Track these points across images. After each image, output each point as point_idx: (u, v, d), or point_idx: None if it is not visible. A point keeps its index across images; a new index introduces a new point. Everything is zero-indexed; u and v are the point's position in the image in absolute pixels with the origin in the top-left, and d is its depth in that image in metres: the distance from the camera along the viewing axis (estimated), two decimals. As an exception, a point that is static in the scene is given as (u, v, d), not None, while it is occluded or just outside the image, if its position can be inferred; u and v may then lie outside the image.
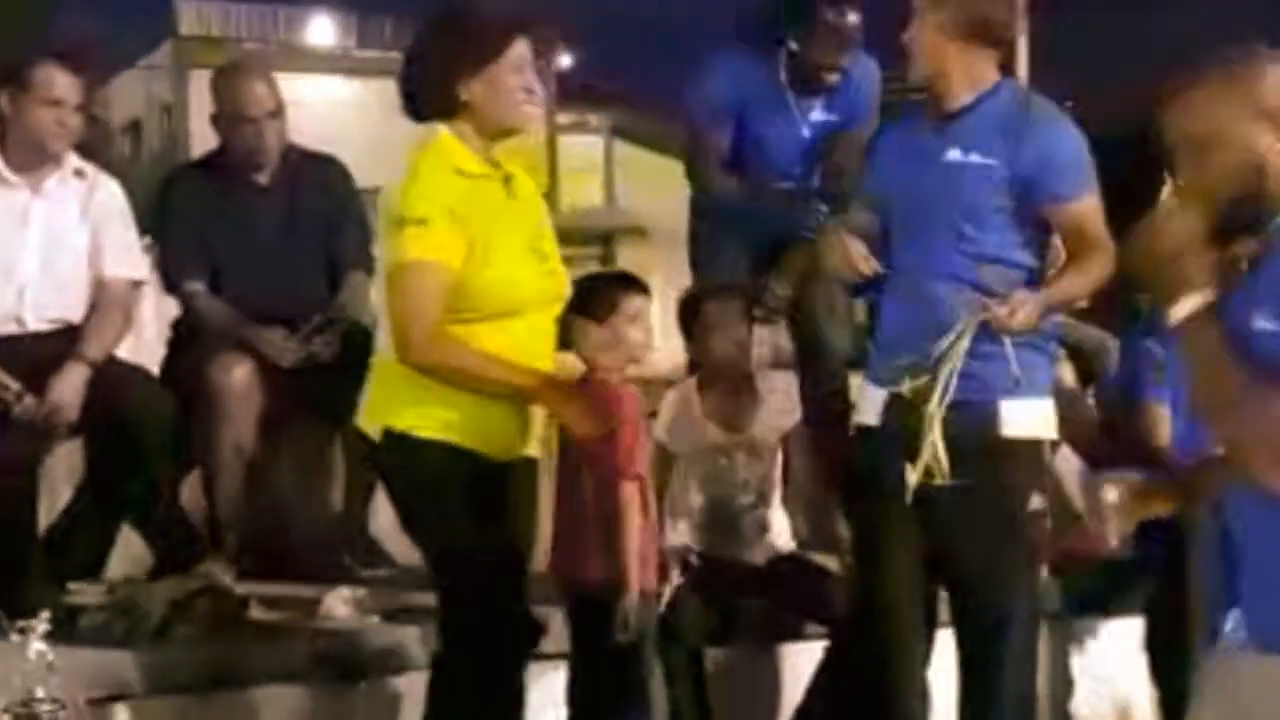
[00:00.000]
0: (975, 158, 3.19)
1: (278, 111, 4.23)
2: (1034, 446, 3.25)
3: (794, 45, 4.35)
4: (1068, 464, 5.15)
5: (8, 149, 3.92)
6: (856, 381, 3.88)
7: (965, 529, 3.18)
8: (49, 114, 3.87)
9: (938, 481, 3.12)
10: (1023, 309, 3.12)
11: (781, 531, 3.92)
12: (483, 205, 2.94)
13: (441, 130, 2.98)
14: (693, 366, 4.07)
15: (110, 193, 4.07)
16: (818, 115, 4.45)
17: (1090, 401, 5.04)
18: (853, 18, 4.34)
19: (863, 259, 3.26)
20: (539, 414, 3.08)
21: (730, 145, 4.44)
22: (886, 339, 3.34)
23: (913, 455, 3.12)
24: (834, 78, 4.37)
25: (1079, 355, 4.98)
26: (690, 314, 3.94)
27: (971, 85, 3.24)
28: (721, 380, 3.92)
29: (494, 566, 2.99)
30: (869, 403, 3.33)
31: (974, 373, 3.15)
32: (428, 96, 3.00)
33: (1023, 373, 3.16)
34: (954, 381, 3.11)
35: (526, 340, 2.98)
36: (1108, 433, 4.82)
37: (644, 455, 3.35)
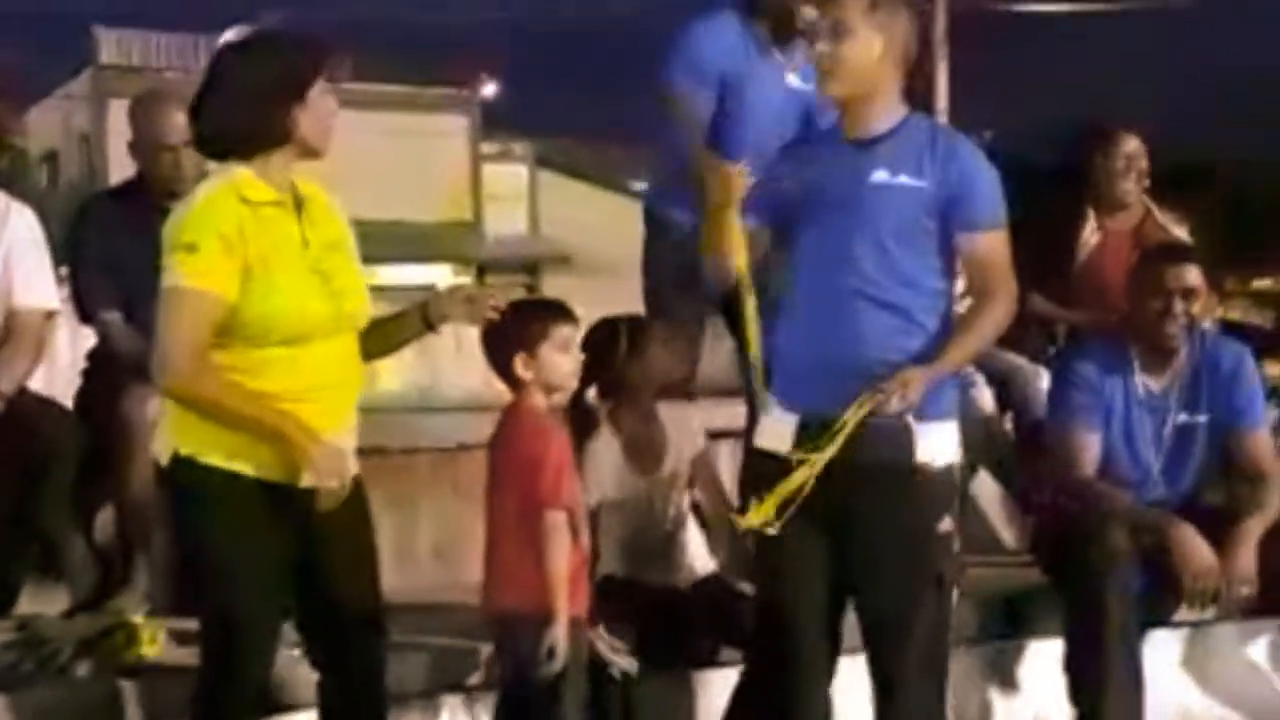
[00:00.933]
0: (904, 179, 3.20)
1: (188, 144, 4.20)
2: (945, 470, 3.26)
3: None
4: (985, 488, 5.23)
5: None
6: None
7: (876, 552, 3.19)
8: None
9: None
10: (913, 387, 3.08)
11: (699, 554, 3.92)
12: (263, 231, 2.92)
13: (233, 163, 2.98)
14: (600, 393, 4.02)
15: (25, 222, 4.02)
16: (799, 72, 4.24)
17: (1008, 427, 5.11)
18: None
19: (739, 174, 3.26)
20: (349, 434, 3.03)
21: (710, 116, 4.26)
22: (796, 359, 3.28)
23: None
24: (812, 15, 4.22)
25: (997, 380, 5.04)
26: (610, 339, 3.91)
27: (891, 110, 3.27)
28: (634, 412, 3.90)
29: (248, 601, 2.95)
30: (777, 427, 3.27)
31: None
32: (249, 127, 2.95)
33: (930, 396, 3.17)
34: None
35: (315, 366, 2.95)
36: (1026, 458, 4.89)
37: (571, 483, 3.34)
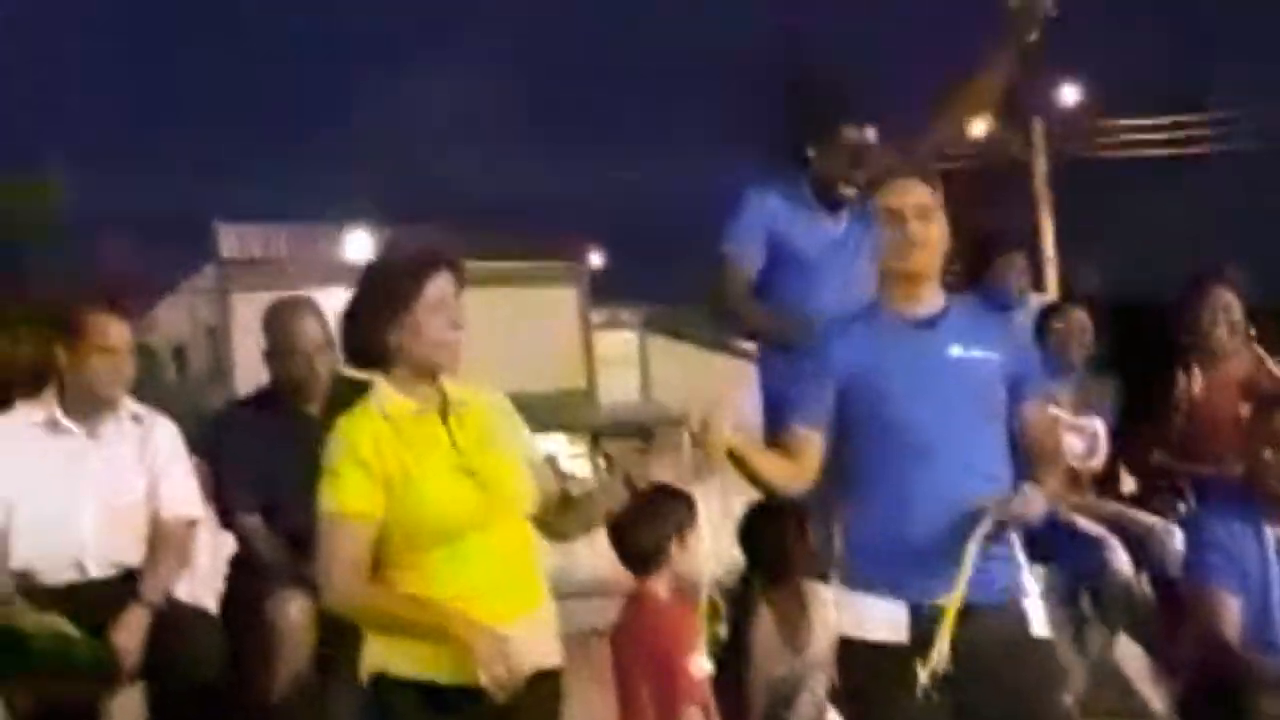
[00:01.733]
0: (978, 353, 3.24)
1: (327, 344, 4.34)
2: (1054, 644, 3.25)
3: (815, 162, 4.52)
4: (1128, 651, 5.11)
5: (65, 398, 4.03)
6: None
7: None
8: (104, 361, 3.99)
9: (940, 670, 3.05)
10: (1037, 499, 3.11)
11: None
12: (405, 443, 3.02)
13: (378, 378, 3.10)
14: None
15: (166, 434, 4.17)
16: (843, 227, 4.53)
17: (1146, 588, 5.02)
18: (870, 133, 4.50)
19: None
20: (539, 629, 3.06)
21: (764, 270, 4.53)
22: (906, 545, 3.18)
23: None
24: (851, 191, 4.47)
25: (1133, 541, 4.97)
26: (770, 521, 3.94)
27: (939, 291, 3.36)
28: (788, 592, 3.91)
29: None
30: (884, 616, 3.16)
31: (990, 573, 3.14)
32: (361, 349, 3.11)
33: (1023, 574, 3.19)
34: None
35: (479, 559, 2.99)
36: (1166, 619, 4.79)
37: (697, 662, 3.34)
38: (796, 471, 3.23)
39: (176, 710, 3.84)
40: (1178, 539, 4.77)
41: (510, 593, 3.03)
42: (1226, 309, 5.07)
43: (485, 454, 3.09)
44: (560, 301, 26.61)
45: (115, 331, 4.04)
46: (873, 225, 3.40)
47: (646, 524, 3.36)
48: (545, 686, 3.05)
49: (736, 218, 4.57)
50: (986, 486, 3.16)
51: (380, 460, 3.00)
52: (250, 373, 5.07)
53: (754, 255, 4.52)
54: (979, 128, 24.82)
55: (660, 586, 3.38)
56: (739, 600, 3.86)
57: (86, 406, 4.04)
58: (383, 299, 3.07)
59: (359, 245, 26.23)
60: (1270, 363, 5.13)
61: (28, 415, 4.07)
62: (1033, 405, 3.32)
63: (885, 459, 3.21)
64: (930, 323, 3.28)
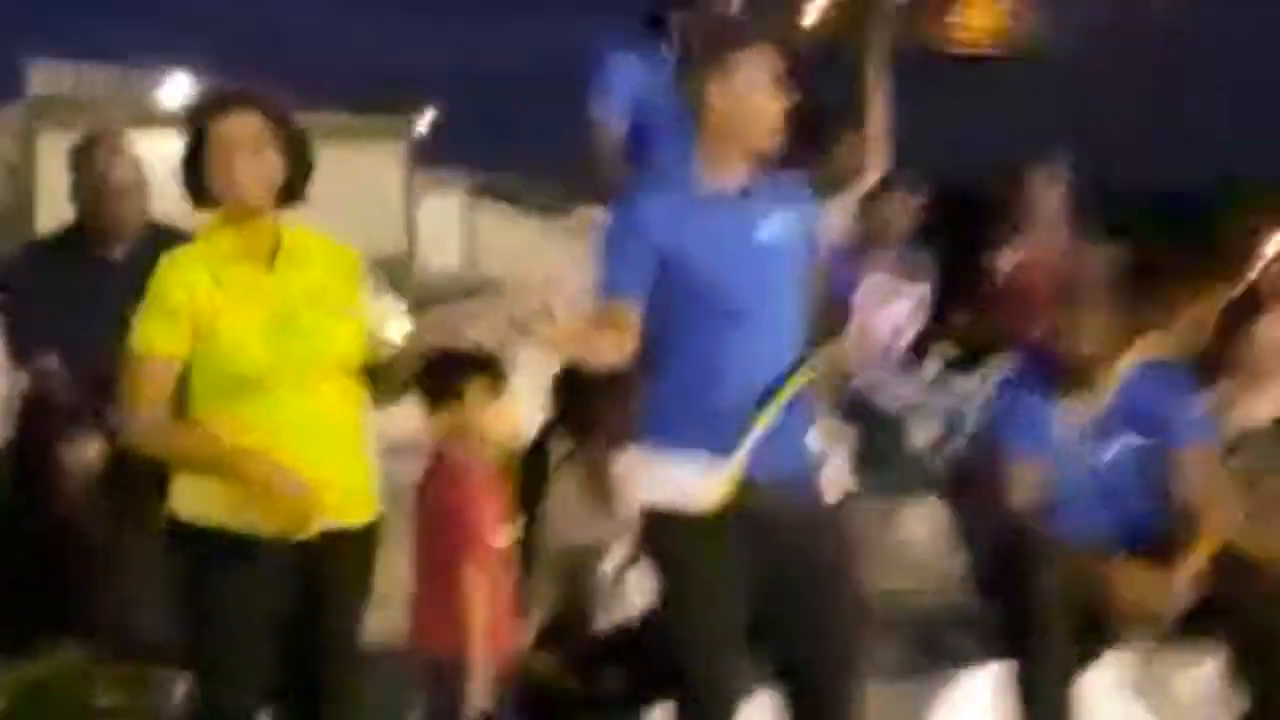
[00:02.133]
0: (788, 227, 3.28)
1: (136, 185, 4.19)
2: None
3: (679, 30, 4.32)
4: (918, 521, 5.29)
5: None
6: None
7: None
8: None
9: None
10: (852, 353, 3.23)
11: (638, 596, 3.93)
12: (218, 286, 2.97)
13: (211, 215, 3.06)
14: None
15: None
16: None
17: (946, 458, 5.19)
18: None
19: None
20: (349, 482, 3.02)
21: (631, 137, 4.40)
22: (718, 406, 3.17)
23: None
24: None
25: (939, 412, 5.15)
26: (577, 383, 3.91)
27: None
28: (591, 457, 3.92)
29: (228, 672, 2.98)
30: (692, 479, 3.15)
31: (789, 440, 3.20)
32: (190, 190, 3.05)
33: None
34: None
35: (284, 411, 2.95)
36: (959, 489, 4.96)
37: (495, 527, 3.35)
38: (620, 345, 3.16)
39: None
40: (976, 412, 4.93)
41: (321, 448, 2.97)
42: (1048, 188, 5.25)
43: (309, 306, 3.01)
44: (384, 161, 26.11)
45: None
46: None
47: (438, 372, 3.33)
48: (353, 544, 3.03)
49: (601, 80, 4.44)
50: (793, 349, 3.20)
51: (191, 303, 2.95)
52: (53, 214, 4.89)
53: (621, 119, 4.40)
54: (815, 7, 24.96)
55: (457, 447, 3.36)
56: (533, 464, 3.84)
57: None
58: (190, 141, 3.02)
59: (177, 91, 25.34)
60: (1082, 249, 5.30)
61: None
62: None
63: (695, 323, 3.19)
64: (744, 193, 3.24)
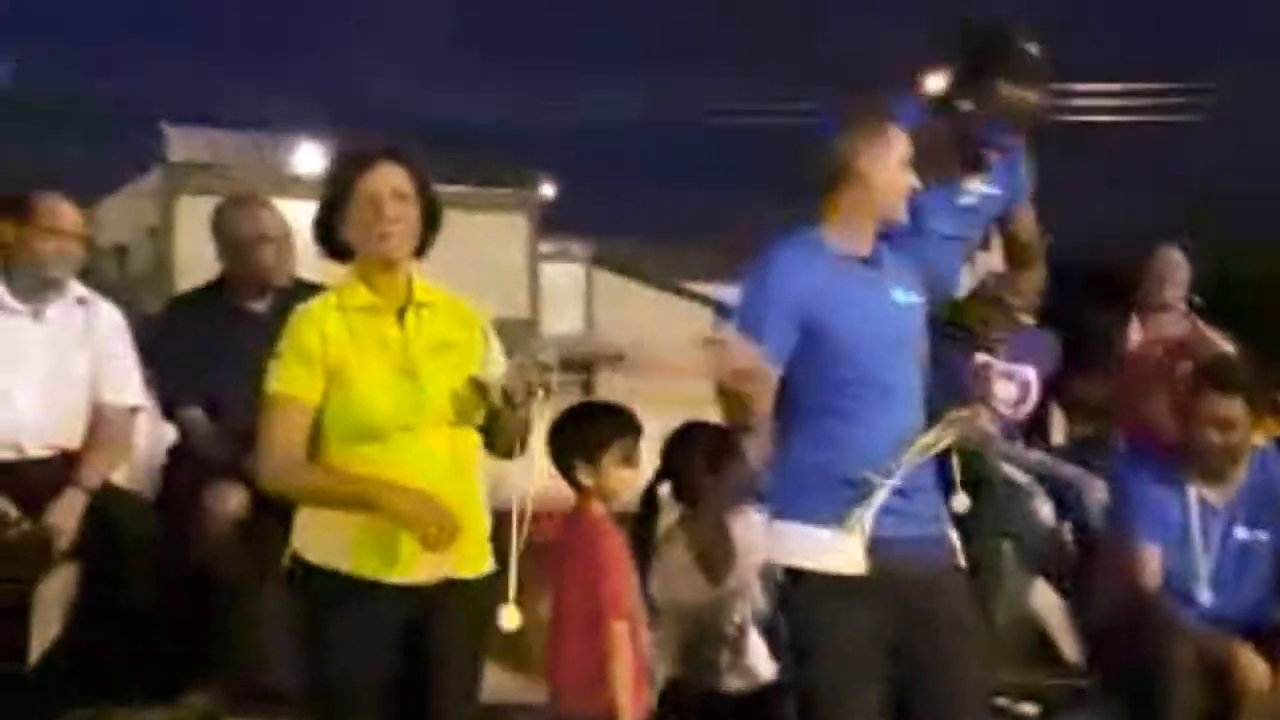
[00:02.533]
0: (914, 297, 3.32)
1: (281, 239, 4.34)
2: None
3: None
4: (1045, 598, 5.23)
5: (11, 277, 4.02)
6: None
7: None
8: (51, 243, 3.98)
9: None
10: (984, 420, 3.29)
11: (762, 660, 3.94)
12: (350, 336, 3.04)
13: (350, 267, 3.13)
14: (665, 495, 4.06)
15: (111, 321, 4.16)
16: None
17: (1069, 538, 5.13)
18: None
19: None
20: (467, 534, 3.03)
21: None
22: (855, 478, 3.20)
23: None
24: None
25: (1057, 492, 5.08)
26: (692, 445, 3.93)
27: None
28: (707, 519, 3.94)
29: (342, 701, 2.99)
30: (836, 546, 3.16)
31: (923, 503, 3.23)
32: (327, 244, 3.14)
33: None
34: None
35: (401, 462, 2.99)
36: (1085, 570, 4.91)
37: (631, 593, 3.39)
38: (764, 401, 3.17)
39: (107, 595, 3.85)
40: (1100, 490, 4.88)
41: (443, 497, 3.00)
42: (1175, 269, 5.21)
43: (436, 359, 3.08)
44: (510, 229, 26.50)
45: (66, 214, 4.03)
46: None
47: (560, 442, 3.39)
48: (471, 596, 3.05)
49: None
50: (920, 416, 3.24)
51: (324, 349, 3.03)
52: (191, 277, 5.08)
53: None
54: (935, 83, 24.89)
55: (597, 504, 3.41)
56: (643, 522, 3.86)
57: (32, 287, 4.02)
58: (329, 195, 3.12)
59: (308, 158, 25.96)
60: (1204, 328, 5.25)
61: None
62: None
63: (837, 388, 3.20)
64: (875, 262, 3.29)
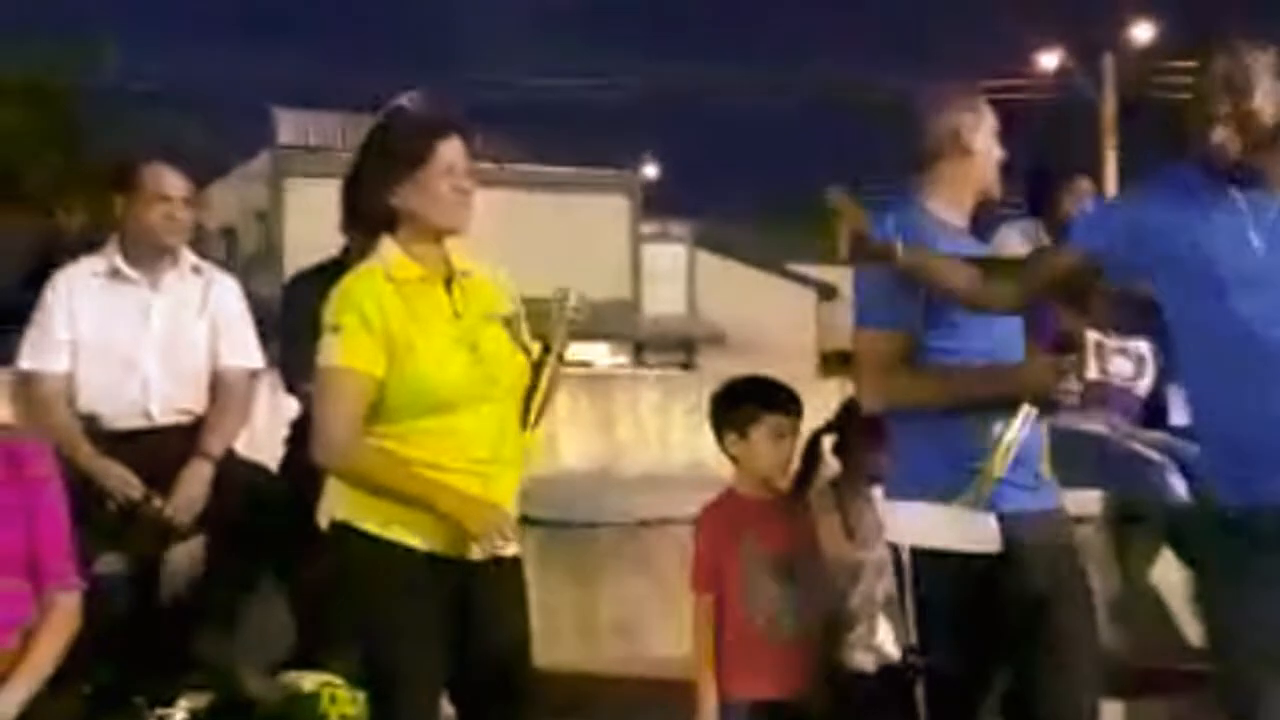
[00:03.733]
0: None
1: None
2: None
3: None
4: (1168, 575, 5.12)
5: (126, 247, 4.09)
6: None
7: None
8: (159, 210, 4.03)
9: None
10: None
11: (888, 639, 3.89)
12: (407, 306, 2.97)
13: (385, 239, 3.04)
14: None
15: (226, 287, 4.22)
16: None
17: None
18: None
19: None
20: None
21: None
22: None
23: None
24: None
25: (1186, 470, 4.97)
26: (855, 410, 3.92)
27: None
28: (855, 492, 3.90)
29: (407, 676, 2.93)
30: (967, 526, 3.14)
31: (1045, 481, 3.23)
32: (365, 210, 3.06)
33: None
34: None
35: (468, 434, 2.96)
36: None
37: (725, 566, 3.35)
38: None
39: (236, 565, 3.90)
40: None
41: (494, 473, 3.00)
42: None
43: (486, 327, 3.06)
44: (612, 210, 26.56)
45: (171, 181, 4.07)
46: None
47: (716, 413, 3.37)
48: (511, 571, 3.04)
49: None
50: None
51: (383, 320, 2.95)
52: (299, 259, 5.11)
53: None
54: (1049, 60, 24.53)
55: (739, 481, 3.40)
56: (802, 476, 3.83)
57: (147, 256, 4.08)
58: (393, 159, 3.02)
59: (414, 140, 26.13)
60: None
61: (91, 266, 4.12)
62: None
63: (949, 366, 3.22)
64: (980, 235, 3.40)
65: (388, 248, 3.03)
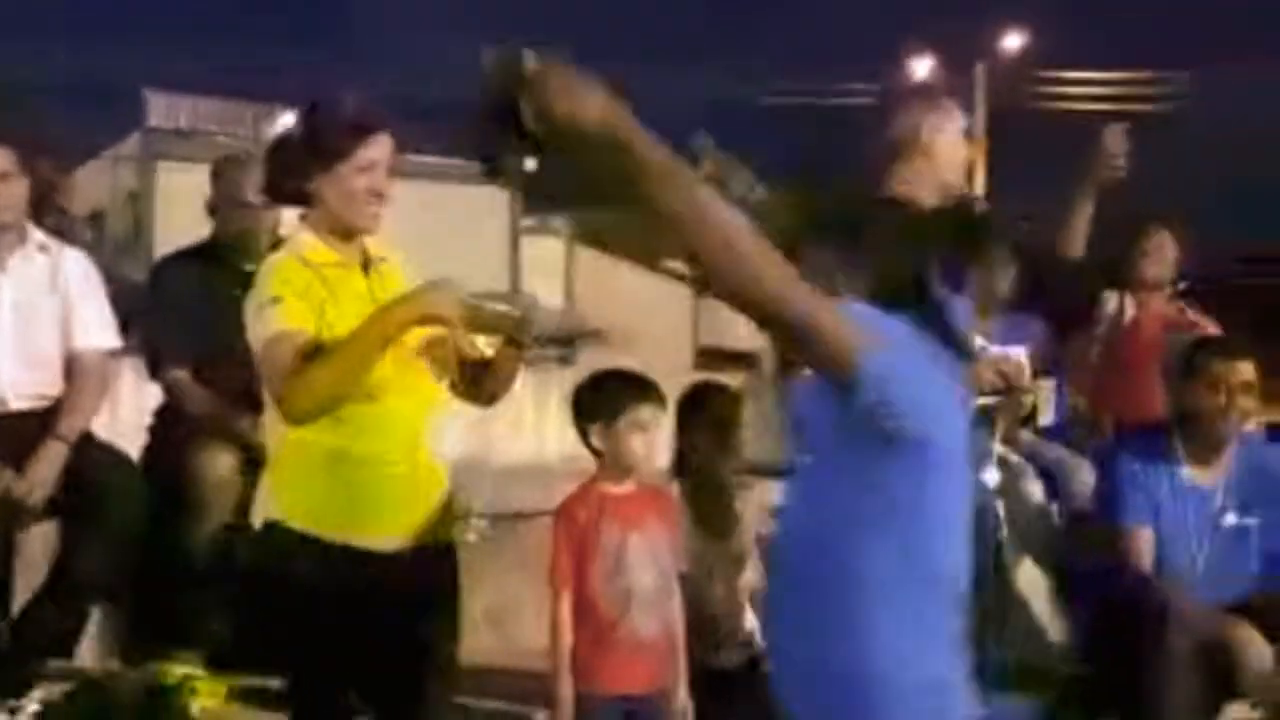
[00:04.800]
0: None
1: (270, 201, 4.28)
2: None
3: None
4: (1032, 578, 5.23)
5: None
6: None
7: None
8: None
9: None
10: None
11: (757, 632, 3.92)
12: (329, 291, 2.95)
13: (302, 225, 3.04)
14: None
15: (76, 264, 4.09)
16: None
17: (1056, 518, 5.12)
18: None
19: None
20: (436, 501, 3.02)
21: None
22: None
23: None
24: None
25: (1044, 472, 5.07)
26: (694, 408, 3.88)
27: None
28: (709, 485, 3.91)
29: (330, 674, 2.93)
30: None
31: None
32: (280, 184, 3.06)
33: None
34: None
35: (389, 421, 2.95)
36: (1072, 550, 4.89)
37: (586, 560, 3.33)
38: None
39: (88, 550, 3.81)
40: (1087, 471, 4.87)
41: (422, 454, 3.01)
42: (1160, 249, 5.19)
43: None
44: (490, 203, 26.37)
45: None
46: None
47: (578, 407, 3.36)
48: (444, 560, 3.05)
49: None
50: None
51: (311, 299, 2.92)
52: (169, 242, 5.03)
53: None
54: (921, 69, 24.94)
55: (602, 473, 3.38)
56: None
57: None
58: (314, 149, 3.00)
59: (288, 125, 25.79)
60: (1190, 311, 5.24)
61: None
62: None
63: None
64: None
65: (302, 234, 3.02)
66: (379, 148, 3.02)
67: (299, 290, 2.92)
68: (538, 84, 1.88)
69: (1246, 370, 4.13)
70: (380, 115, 3.09)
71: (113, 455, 4.01)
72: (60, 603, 3.82)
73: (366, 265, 3.05)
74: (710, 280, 1.96)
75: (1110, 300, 5.22)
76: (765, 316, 1.97)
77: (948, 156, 3.28)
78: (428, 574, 3.00)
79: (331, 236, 3.01)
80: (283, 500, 2.94)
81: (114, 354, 4.13)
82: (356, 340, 2.85)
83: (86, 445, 3.92)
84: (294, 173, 3.01)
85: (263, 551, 2.96)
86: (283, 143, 3.07)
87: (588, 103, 1.87)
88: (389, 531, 2.93)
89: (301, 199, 3.02)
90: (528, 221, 27.28)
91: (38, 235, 4.03)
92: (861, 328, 2.01)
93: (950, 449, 2.11)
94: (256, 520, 2.99)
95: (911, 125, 3.26)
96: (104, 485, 3.82)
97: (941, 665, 2.13)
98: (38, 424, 3.86)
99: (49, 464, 3.77)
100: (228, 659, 3.94)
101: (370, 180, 3.00)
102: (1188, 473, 4.17)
